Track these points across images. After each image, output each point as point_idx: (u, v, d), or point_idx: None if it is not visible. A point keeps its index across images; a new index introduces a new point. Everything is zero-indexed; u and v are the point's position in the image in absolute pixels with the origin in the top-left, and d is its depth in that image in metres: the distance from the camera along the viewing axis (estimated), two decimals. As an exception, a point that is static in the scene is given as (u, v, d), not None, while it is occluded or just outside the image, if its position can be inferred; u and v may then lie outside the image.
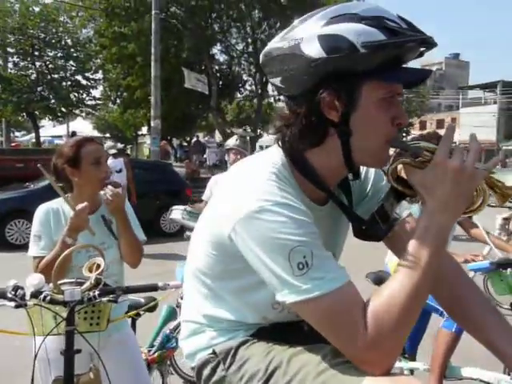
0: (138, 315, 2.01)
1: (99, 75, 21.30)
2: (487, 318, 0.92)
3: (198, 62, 18.52)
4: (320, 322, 0.79)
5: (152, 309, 1.97)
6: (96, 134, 26.44)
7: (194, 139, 20.99)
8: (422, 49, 0.86)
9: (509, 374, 2.30)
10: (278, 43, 0.87)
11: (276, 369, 0.86)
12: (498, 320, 0.93)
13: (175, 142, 26.67)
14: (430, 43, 0.83)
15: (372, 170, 1.05)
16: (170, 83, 15.92)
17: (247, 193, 0.81)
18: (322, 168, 0.89)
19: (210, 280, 0.95)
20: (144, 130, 23.83)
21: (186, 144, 26.05)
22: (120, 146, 8.78)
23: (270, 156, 0.91)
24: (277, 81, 0.89)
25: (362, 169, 1.04)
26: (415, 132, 24.87)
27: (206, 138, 19.28)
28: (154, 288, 1.52)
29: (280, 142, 0.91)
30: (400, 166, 0.86)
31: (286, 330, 0.95)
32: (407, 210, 1.04)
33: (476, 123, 35.58)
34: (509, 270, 2.10)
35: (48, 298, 1.31)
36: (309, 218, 0.81)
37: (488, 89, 39.94)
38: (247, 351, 0.92)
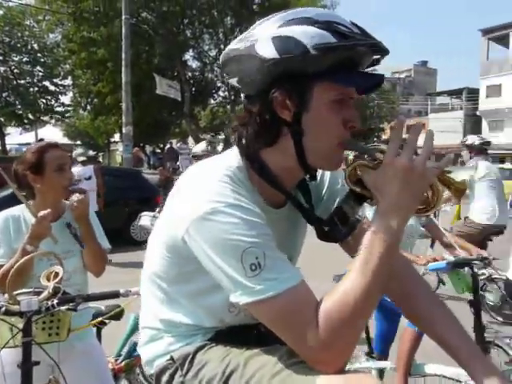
0: (104, 324, 1.96)
1: (68, 81, 20.90)
2: (435, 312, 0.94)
3: (171, 68, 18.43)
4: (274, 323, 0.79)
5: (118, 317, 1.93)
6: (66, 141, 25.86)
7: (168, 146, 20.80)
8: (376, 56, 0.88)
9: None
10: (236, 44, 0.89)
11: (233, 372, 0.86)
12: (445, 313, 0.94)
13: (148, 148, 26.36)
14: (380, 48, 0.85)
15: (328, 173, 1.06)
16: (141, 89, 15.79)
17: (200, 194, 0.82)
18: (278, 168, 0.90)
19: (165, 284, 0.94)
20: (116, 137, 23.48)
21: (159, 151, 25.78)
22: (92, 153, 8.61)
23: (227, 158, 0.92)
24: (234, 81, 0.91)
25: (319, 171, 1.05)
26: (386, 137, 25.40)
27: (179, 145, 19.18)
28: (116, 295, 1.49)
29: (237, 142, 0.92)
30: (359, 169, 0.88)
31: (244, 333, 0.95)
32: (369, 212, 1.05)
33: (444, 128, 36.69)
34: (466, 268, 2.17)
35: (3, 309, 1.27)
36: (262, 220, 0.82)
37: (454, 95, 41.31)
38: (205, 356, 0.91)
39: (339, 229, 0.93)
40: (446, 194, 0.91)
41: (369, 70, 0.90)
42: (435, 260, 2.28)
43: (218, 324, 0.95)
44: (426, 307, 0.95)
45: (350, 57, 0.83)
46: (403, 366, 2.31)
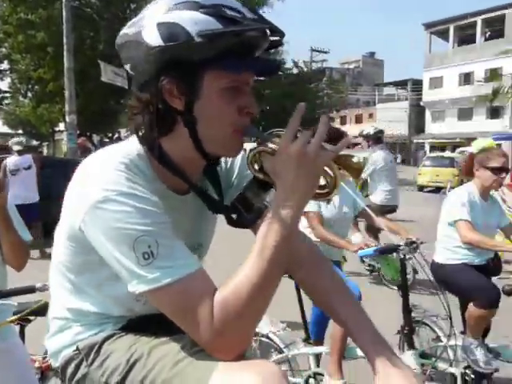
0: (27, 321, 1.87)
1: (5, 65, 19.58)
2: (337, 297, 0.96)
3: (117, 55, 17.70)
4: (170, 311, 0.79)
5: (43, 312, 1.84)
6: (6, 130, 24.42)
7: (116, 136, 20.15)
8: (275, 38, 0.86)
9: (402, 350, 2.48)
10: (126, 29, 0.87)
11: (136, 362, 0.86)
12: (347, 297, 0.97)
13: (96, 138, 25.42)
14: (275, 30, 0.84)
15: (238, 159, 1.06)
16: (85, 76, 15.10)
17: (94, 183, 0.80)
18: (178, 156, 0.89)
19: (71, 274, 0.93)
20: (61, 125, 22.40)
21: (107, 140, 24.91)
22: (35, 143, 8.18)
23: (127, 146, 0.90)
24: (128, 68, 0.88)
25: (228, 158, 1.05)
26: (336, 126, 25.97)
27: (126, 134, 18.56)
28: (31, 290, 1.42)
29: (135, 131, 0.90)
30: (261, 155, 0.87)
31: (155, 322, 0.94)
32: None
33: (391, 118, 38.07)
34: (394, 254, 2.26)
35: None
36: (158, 209, 0.80)
37: (400, 86, 42.87)
38: (111, 345, 0.90)
39: (244, 215, 0.93)
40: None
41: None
42: (367, 246, 2.35)
43: (127, 313, 0.94)
44: (328, 291, 0.98)
45: (241, 42, 0.81)
46: (337, 351, 2.38)
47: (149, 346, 0.87)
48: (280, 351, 2.48)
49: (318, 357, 2.50)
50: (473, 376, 2.44)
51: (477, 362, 2.38)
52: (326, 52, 37.55)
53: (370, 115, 42.88)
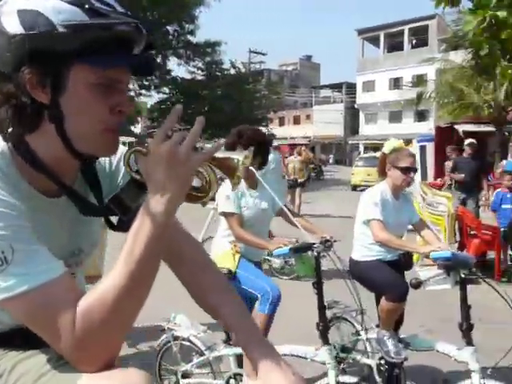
0: None
1: None
2: (218, 300, 0.95)
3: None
4: (30, 321, 0.75)
5: None
6: None
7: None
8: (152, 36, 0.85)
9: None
10: None
11: None
12: (229, 295, 0.96)
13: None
14: (148, 30, 0.82)
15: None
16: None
17: None
18: (45, 155, 0.83)
19: None
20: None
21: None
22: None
23: None
24: None
25: (114, 159, 1.01)
26: (273, 126, 26.43)
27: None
28: None
29: None
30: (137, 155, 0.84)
31: (30, 334, 0.87)
32: None
33: (327, 120, 39.39)
34: (309, 252, 2.31)
35: None
36: (15, 211, 0.75)
37: (335, 89, 44.49)
38: None
39: (120, 218, 0.89)
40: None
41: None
42: (284, 245, 2.38)
43: None
44: (212, 292, 0.97)
45: (110, 36, 0.77)
46: None
47: (13, 361, 0.82)
48: (201, 354, 2.45)
49: (238, 357, 2.50)
50: (386, 366, 2.57)
51: (388, 352, 2.50)
52: (263, 54, 38.17)
53: (308, 116, 44.05)
